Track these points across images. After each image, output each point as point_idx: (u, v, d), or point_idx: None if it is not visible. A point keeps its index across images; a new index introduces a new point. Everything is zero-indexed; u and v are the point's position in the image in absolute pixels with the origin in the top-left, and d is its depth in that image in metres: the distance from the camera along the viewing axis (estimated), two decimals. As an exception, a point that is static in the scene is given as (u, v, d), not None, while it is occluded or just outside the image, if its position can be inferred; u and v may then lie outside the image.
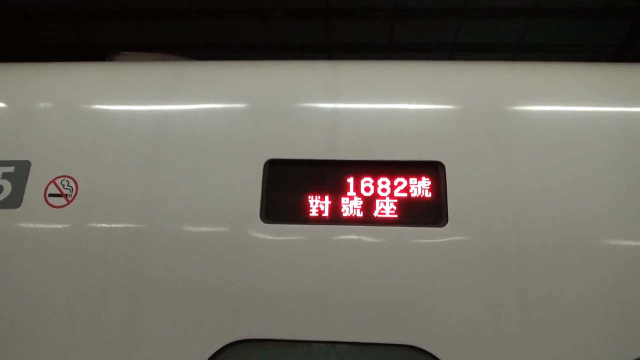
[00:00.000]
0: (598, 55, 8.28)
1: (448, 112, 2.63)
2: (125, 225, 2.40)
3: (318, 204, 2.44)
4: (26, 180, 2.47)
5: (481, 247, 2.34)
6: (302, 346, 2.37)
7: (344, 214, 2.42)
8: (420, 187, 2.45)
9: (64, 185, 2.44)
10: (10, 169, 2.47)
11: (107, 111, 2.66)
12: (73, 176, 2.48)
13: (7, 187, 2.45)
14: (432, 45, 8.57)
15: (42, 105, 2.68)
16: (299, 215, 2.42)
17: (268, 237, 2.39)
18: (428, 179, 2.45)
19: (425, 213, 2.41)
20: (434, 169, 2.46)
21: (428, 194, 2.44)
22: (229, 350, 2.29)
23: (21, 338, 2.33)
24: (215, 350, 2.28)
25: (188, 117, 2.62)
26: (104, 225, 2.41)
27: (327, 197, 2.44)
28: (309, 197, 2.44)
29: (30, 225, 2.42)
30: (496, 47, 8.52)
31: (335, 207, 2.43)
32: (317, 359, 2.36)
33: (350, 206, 2.43)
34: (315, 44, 8.68)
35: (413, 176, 2.46)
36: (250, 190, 2.44)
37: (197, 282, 2.33)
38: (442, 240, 2.35)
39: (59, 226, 2.41)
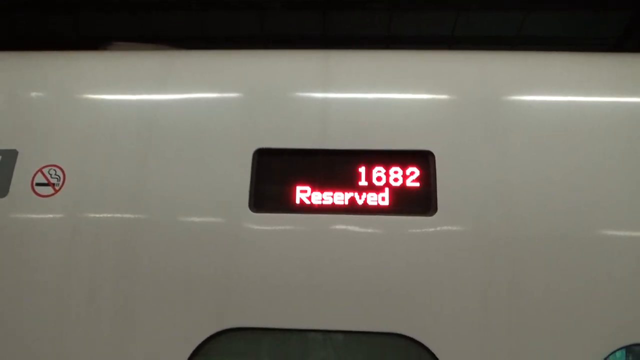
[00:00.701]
0: (596, 47, 8.23)
1: (439, 102, 2.62)
2: (113, 215, 2.40)
3: (307, 193, 2.43)
4: (13, 169, 2.46)
5: (470, 236, 2.34)
6: (290, 335, 2.38)
7: (334, 203, 2.41)
8: (410, 176, 2.44)
9: (51, 175, 2.43)
10: None
11: (96, 100, 2.65)
12: (61, 165, 2.47)
13: None
14: (430, 37, 8.53)
15: (30, 94, 2.66)
16: (288, 205, 2.42)
17: (257, 226, 2.38)
18: (418, 168, 2.44)
19: (414, 202, 2.40)
20: (423, 158, 2.45)
21: (417, 183, 2.43)
22: (217, 338, 2.30)
23: (8, 327, 2.33)
24: (204, 338, 2.28)
25: (178, 107, 2.61)
26: (92, 214, 2.40)
27: (316, 187, 2.43)
28: (298, 186, 2.44)
29: (17, 214, 2.42)
30: (494, 39, 8.47)
31: (325, 196, 2.42)
32: (304, 347, 2.37)
33: (340, 195, 2.42)
34: (313, 36, 8.64)
35: (403, 165, 2.45)
36: (240, 179, 2.43)
37: (186, 271, 2.33)
38: (431, 229, 2.35)
39: (47, 215, 2.41)
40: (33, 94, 2.66)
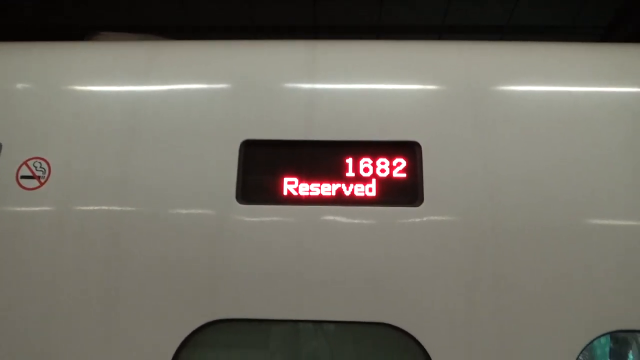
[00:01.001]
0: (587, 37, 8.25)
1: (426, 93, 2.62)
2: (100, 207, 2.39)
3: (294, 185, 2.43)
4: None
5: (457, 226, 2.35)
6: (279, 325, 2.39)
7: (321, 194, 2.42)
8: (397, 167, 2.45)
9: (36, 167, 2.41)
10: None
11: (82, 91, 2.62)
12: (46, 158, 2.45)
13: None
14: (420, 27, 8.50)
15: (13, 85, 2.63)
16: (275, 196, 2.42)
17: (244, 218, 2.39)
18: (404, 159, 2.45)
19: (401, 193, 2.42)
20: (410, 149, 2.46)
21: (404, 174, 2.44)
22: (206, 330, 2.30)
23: None
24: (192, 330, 2.28)
25: (163, 98, 2.59)
26: (78, 207, 2.39)
27: (303, 178, 2.44)
28: (285, 177, 2.44)
29: (2, 207, 2.40)
30: (484, 29, 8.46)
31: (312, 188, 2.42)
32: (293, 338, 2.38)
33: (327, 186, 2.42)
34: (303, 26, 8.59)
35: (389, 156, 2.46)
36: (226, 171, 2.43)
37: (174, 263, 2.33)
38: (418, 219, 2.36)
39: (32, 208, 2.39)
40: (17, 85, 2.63)
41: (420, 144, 2.45)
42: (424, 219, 2.36)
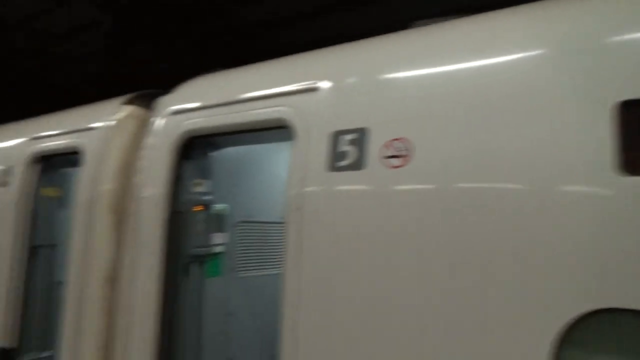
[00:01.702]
0: None
1: None
2: (464, 184, 2.34)
3: None
4: (366, 145, 2.66)
5: None
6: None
7: None
8: None
9: (399, 148, 2.54)
10: (354, 136, 2.71)
11: (433, 74, 2.64)
12: (408, 137, 2.55)
13: (353, 151, 2.68)
14: None
15: (373, 77, 2.85)
16: None
17: (628, 192, 2.02)
18: None
19: None
20: None
21: None
22: (588, 321, 2.04)
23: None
24: (572, 317, 2.04)
25: (516, 67, 2.41)
26: (444, 184, 2.40)
27: None
28: None
29: (372, 186, 2.59)
30: None
31: None
32: None
33: None
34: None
35: None
36: (602, 138, 2.10)
37: (547, 243, 2.12)
38: None
39: (397, 187, 2.52)
40: (374, 77, 2.83)
41: None
42: None
